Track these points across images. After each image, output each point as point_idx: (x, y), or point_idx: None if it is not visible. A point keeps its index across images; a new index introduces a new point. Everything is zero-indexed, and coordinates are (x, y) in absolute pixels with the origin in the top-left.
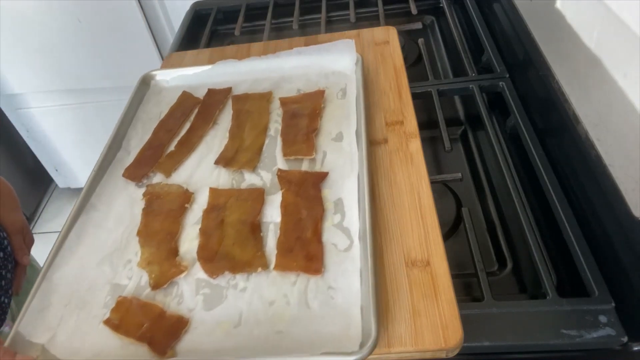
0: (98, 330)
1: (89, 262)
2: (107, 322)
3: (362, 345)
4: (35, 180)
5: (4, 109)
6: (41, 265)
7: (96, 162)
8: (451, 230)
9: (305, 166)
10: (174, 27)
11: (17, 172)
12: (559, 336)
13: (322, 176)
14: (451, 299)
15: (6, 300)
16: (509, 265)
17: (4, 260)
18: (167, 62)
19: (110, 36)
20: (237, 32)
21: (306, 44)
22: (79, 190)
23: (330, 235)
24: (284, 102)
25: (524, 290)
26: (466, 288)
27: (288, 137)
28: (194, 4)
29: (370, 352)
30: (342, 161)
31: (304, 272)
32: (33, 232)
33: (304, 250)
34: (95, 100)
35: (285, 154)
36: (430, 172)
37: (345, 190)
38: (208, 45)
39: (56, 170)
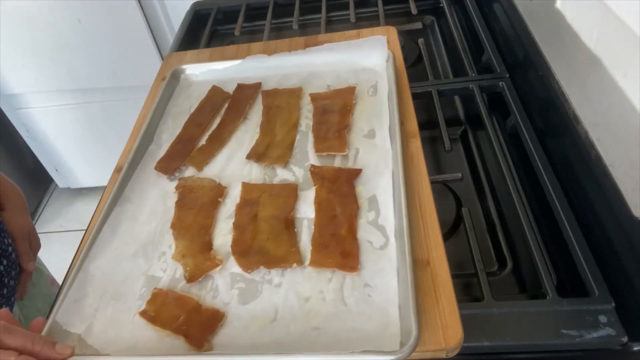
0: (134, 321)
1: (123, 253)
2: (143, 314)
3: (402, 345)
4: (35, 180)
5: (4, 109)
6: (47, 269)
7: (128, 155)
8: (451, 230)
9: (337, 162)
10: (174, 27)
11: (17, 172)
12: (559, 336)
13: (356, 173)
14: (451, 299)
15: (9, 308)
16: (509, 265)
17: (8, 268)
18: (167, 62)
19: (110, 36)
20: (237, 32)
21: (306, 44)
22: (79, 190)
23: (366, 233)
24: (315, 98)
25: (524, 290)
26: (466, 288)
27: (320, 133)
28: (194, 4)
29: (412, 352)
30: (375, 158)
31: (339, 269)
32: None
33: (340, 247)
34: (95, 100)
35: (318, 150)
36: (430, 172)
37: (380, 188)
38: (208, 45)
39: (56, 170)
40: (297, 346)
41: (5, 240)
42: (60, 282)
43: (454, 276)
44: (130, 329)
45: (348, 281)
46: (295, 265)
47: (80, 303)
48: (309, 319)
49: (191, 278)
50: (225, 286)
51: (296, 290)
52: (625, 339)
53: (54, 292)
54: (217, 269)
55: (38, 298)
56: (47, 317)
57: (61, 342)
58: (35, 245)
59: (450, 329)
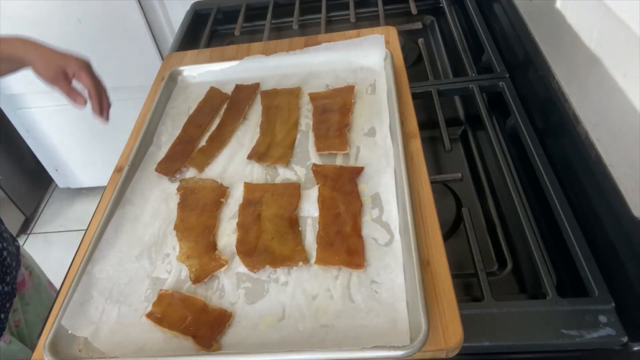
0: (140, 323)
1: (127, 255)
2: (150, 316)
3: (412, 340)
4: (35, 180)
5: (4, 109)
6: (44, 273)
7: (128, 156)
8: (451, 230)
9: (339, 161)
10: (174, 27)
11: (17, 172)
12: (559, 336)
13: (358, 171)
14: (451, 299)
15: (2, 316)
16: (509, 265)
17: (1, 274)
18: (167, 62)
19: (110, 36)
20: (237, 32)
21: (306, 44)
22: (79, 190)
23: (370, 230)
24: (314, 97)
25: (524, 290)
26: (466, 288)
27: (320, 132)
28: (194, 4)
29: (422, 346)
30: (376, 156)
31: (345, 266)
32: (33, 232)
33: (345, 245)
34: None
35: (319, 149)
36: (430, 172)
37: (382, 185)
38: (208, 45)
39: (56, 170)
40: (306, 344)
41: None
42: (60, 282)
43: (454, 276)
44: (138, 331)
45: (354, 278)
46: (301, 263)
47: (85, 306)
48: (317, 316)
49: (197, 279)
50: (231, 286)
51: (303, 288)
52: (625, 339)
53: (52, 295)
54: (223, 269)
55: (38, 303)
56: (46, 320)
57: (67, 346)
58: (87, 79)
59: (450, 329)
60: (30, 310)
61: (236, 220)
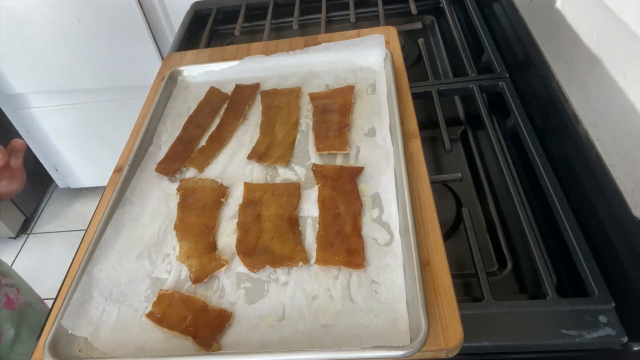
0: (140, 323)
1: (127, 255)
2: (150, 316)
3: (412, 340)
4: (35, 180)
5: (4, 109)
6: (36, 292)
7: (128, 156)
8: (451, 230)
9: (339, 161)
10: (174, 27)
11: None
12: (559, 336)
13: (358, 171)
14: (451, 299)
15: None
16: (509, 265)
17: None
18: (167, 62)
19: (110, 36)
20: (237, 32)
21: (306, 44)
22: (79, 190)
23: (370, 230)
24: (314, 97)
25: (524, 290)
26: (466, 288)
27: (320, 132)
28: (194, 4)
29: (422, 346)
30: (376, 156)
31: (345, 266)
32: (33, 232)
33: (345, 245)
34: (95, 100)
35: (319, 149)
36: (430, 172)
37: (382, 185)
38: (208, 45)
39: (56, 170)
40: (306, 344)
41: None
42: (60, 282)
43: (454, 276)
44: (138, 331)
45: (354, 278)
46: (301, 263)
47: (85, 306)
48: (317, 316)
49: (197, 279)
50: (231, 286)
51: (303, 288)
52: (625, 339)
53: (43, 310)
54: (223, 269)
55: (32, 318)
56: (44, 323)
57: (67, 346)
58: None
59: (450, 329)
60: (23, 330)
61: (236, 220)
